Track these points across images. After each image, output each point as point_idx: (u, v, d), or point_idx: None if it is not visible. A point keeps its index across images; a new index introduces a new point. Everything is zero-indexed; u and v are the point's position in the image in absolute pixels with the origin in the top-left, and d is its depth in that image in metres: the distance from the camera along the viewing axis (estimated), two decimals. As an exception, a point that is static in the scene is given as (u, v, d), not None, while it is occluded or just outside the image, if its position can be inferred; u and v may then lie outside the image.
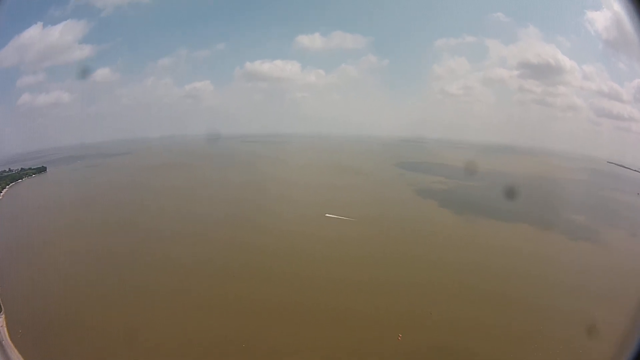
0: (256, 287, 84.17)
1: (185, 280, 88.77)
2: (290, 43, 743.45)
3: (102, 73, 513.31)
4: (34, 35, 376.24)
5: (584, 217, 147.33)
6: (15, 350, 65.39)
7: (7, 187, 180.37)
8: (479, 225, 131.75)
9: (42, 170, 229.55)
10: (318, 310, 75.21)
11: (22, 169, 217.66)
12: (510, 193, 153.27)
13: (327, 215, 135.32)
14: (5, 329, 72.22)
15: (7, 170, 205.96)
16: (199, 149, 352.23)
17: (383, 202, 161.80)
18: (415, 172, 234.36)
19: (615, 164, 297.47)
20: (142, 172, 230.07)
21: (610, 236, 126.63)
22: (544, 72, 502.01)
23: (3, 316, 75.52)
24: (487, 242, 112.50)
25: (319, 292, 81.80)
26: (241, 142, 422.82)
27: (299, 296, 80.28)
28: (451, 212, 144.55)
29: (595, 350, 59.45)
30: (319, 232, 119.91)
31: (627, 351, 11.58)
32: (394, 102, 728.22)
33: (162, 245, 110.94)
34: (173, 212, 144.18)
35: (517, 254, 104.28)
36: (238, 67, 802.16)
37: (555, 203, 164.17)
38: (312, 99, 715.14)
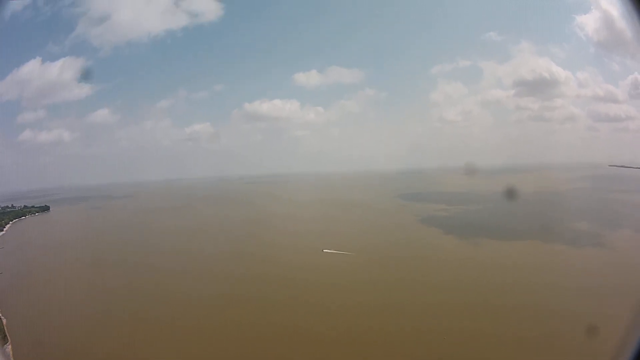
0: (260, 318, 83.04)
1: (192, 312, 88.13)
2: (287, 82, 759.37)
3: (101, 114, 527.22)
4: (33, 70, 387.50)
5: (588, 224, 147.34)
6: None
7: (11, 222, 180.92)
8: (486, 246, 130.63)
9: (45, 209, 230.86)
10: (325, 336, 73.97)
11: (25, 206, 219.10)
12: (513, 211, 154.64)
13: (325, 250, 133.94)
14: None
15: (10, 206, 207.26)
16: (200, 192, 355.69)
17: (386, 233, 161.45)
18: (418, 202, 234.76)
19: (617, 165, 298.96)
20: (145, 214, 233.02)
21: (616, 236, 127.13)
22: (540, 87, 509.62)
23: (9, 347, 74.78)
24: (494, 262, 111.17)
25: (323, 319, 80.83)
26: (242, 184, 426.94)
27: (302, 322, 79.75)
28: (456, 237, 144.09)
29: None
30: (323, 264, 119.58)
31: (627, 351, 11.39)
32: (393, 134, 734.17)
33: (168, 279, 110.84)
34: (177, 250, 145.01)
35: (526, 269, 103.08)
36: (236, 108, 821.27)
37: (559, 215, 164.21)
38: (312, 137, 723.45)
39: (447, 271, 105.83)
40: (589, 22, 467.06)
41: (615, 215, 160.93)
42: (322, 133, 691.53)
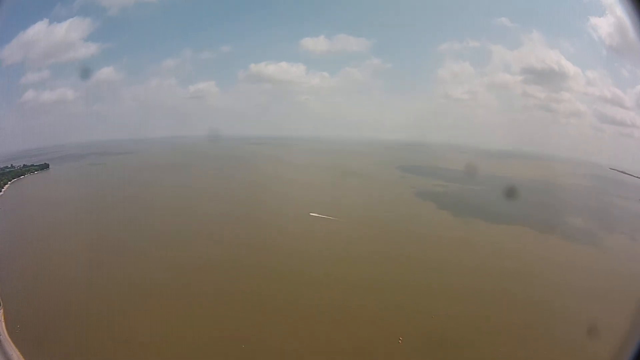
0: (258, 285, 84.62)
1: (182, 277, 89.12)
2: (295, 46, 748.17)
3: (106, 72, 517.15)
4: (39, 31, 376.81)
5: (585, 221, 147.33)
6: (13, 346, 65.32)
7: (9, 182, 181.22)
8: (477, 227, 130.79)
9: (44, 167, 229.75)
10: (317, 308, 75.26)
11: (24, 165, 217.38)
12: (511, 196, 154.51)
13: (311, 214, 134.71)
14: (3, 324, 72.00)
15: (9, 166, 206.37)
16: (202, 149, 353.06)
17: (380, 202, 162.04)
18: (417, 175, 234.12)
19: (618, 170, 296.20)
20: (146, 172, 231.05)
21: (610, 239, 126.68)
22: (548, 77, 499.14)
23: (1, 311, 75.07)
24: (483, 244, 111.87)
25: (317, 290, 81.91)
26: (244, 144, 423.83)
27: (299, 294, 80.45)
28: (450, 214, 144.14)
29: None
30: (311, 230, 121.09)
31: (627, 351, 11.55)
32: (397, 105, 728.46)
33: (160, 242, 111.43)
34: (174, 210, 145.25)
35: (515, 255, 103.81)
36: (242, 69, 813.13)
37: (556, 207, 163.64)
38: (316, 102, 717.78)
39: (433, 248, 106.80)
40: (602, 25, 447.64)
41: (612, 218, 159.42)
42: (327, 98, 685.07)
